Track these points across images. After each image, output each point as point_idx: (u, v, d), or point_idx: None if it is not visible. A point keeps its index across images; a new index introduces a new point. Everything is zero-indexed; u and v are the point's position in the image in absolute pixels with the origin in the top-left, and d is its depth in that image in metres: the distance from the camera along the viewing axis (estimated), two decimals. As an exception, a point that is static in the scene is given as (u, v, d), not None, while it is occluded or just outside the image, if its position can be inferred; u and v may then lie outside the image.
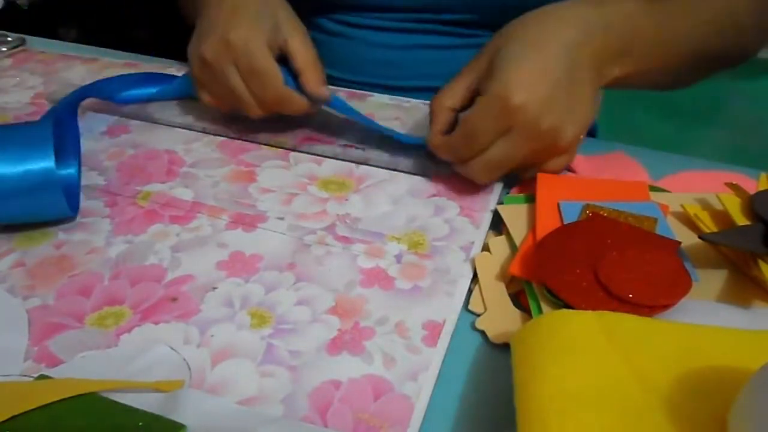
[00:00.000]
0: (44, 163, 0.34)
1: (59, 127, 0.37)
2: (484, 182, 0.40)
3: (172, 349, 0.29)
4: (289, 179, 0.42)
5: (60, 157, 0.36)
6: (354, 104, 0.51)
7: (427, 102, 0.51)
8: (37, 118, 0.44)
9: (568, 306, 0.29)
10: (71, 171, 0.39)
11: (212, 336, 0.30)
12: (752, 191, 0.35)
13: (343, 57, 0.61)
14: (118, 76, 0.51)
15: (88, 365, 0.28)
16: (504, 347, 0.30)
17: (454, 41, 0.58)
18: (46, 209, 0.36)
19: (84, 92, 0.46)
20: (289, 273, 0.34)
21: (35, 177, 0.34)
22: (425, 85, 0.56)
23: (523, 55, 0.36)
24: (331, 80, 0.56)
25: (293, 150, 0.45)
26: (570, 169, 0.43)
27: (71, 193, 0.38)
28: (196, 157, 0.44)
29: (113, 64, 0.59)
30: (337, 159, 0.44)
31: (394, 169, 0.43)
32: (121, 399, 0.26)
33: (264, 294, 0.32)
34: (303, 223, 0.37)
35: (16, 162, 0.34)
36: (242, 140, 0.46)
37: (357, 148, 0.45)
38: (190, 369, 0.28)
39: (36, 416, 0.24)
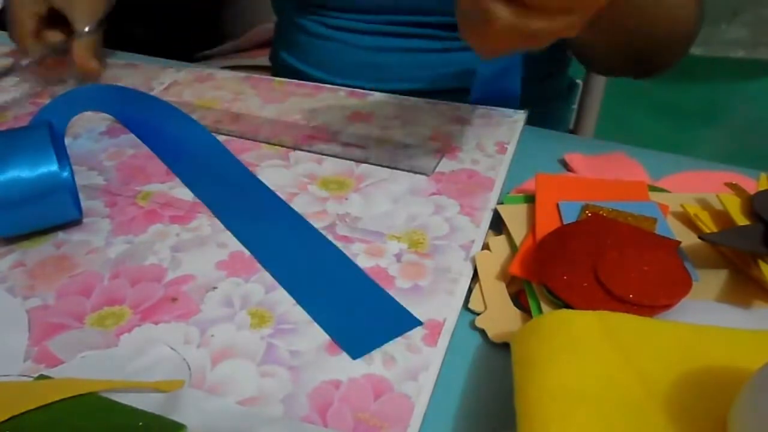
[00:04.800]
0: (49, 167, 0.34)
1: (51, 129, 0.36)
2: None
3: (172, 349, 0.29)
4: (289, 179, 0.42)
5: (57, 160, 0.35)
6: (353, 103, 0.51)
7: (425, 100, 0.51)
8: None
9: (568, 306, 0.29)
10: (68, 173, 0.38)
11: (212, 336, 0.30)
12: (752, 191, 0.35)
13: (327, 59, 0.61)
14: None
15: (88, 365, 0.28)
16: (504, 346, 0.30)
17: (435, 45, 0.58)
18: (55, 214, 0.36)
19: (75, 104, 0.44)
20: (289, 273, 0.34)
21: (43, 182, 0.34)
22: (408, 88, 0.56)
23: None
24: (318, 82, 0.56)
25: (294, 149, 0.45)
26: (570, 169, 0.43)
27: (73, 195, 0.38)
28: (196, 156, 0.44)
29: (113, 64, 0.59)
30: (338, 157, 0.44)
31: (395, 168, 0.43)
32: (121, 399, 0.26)
33: (264, 294, 0.32)
34: (303, 223, 0.37)
35: (22, 168, 0.34)
36: (242, 139, 0.46)
37: (357, 146, 0.45)
38: (190, 369, 0.28)
39: (36, 416, 0.24)
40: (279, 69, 0.70)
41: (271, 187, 0.41)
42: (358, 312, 0.31)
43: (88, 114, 0.50)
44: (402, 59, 0.58)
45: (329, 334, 0.30)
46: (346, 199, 0.40)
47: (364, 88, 0.54)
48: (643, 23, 0.46)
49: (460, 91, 0.52)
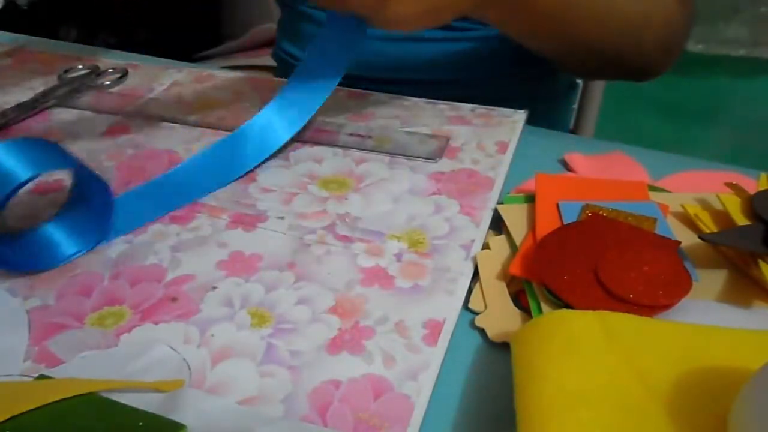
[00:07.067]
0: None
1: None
2: None
3: (172, 349, 0.29)
4: (289, 178, 0.42)
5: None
6: (353, 103, 0.51)
7: (427, 100, 0.51)
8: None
9: (568, 306, 0.29)
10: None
11: (212, 336, 0.30)
12: (752, 191, 0.35)
13: None
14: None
15: (88, 365, 0.28)
16: (504, 346, 0.30)
17: (444, 34, 0.57)
18: None
19: None
20: (289, 272, 0.34)
21: None
22: (416, 78, 0.56)
23: None
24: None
25: (299, 142, 0.45)
26: (570, 169, 0.43)
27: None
28: (196, 156, 0.44)
29: (113, 64, 0.59)
30: (346, 147, 0.44)
31: (402, 155, 0.43)
32: (121, 399, 0.26)
33: (264, 293, 0.32)
34: (303, 223, 0.37)
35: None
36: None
37: (363, 136, 0.45)
38: (190, 369, 0.28)
39: (36, 416, 0.24)
40: (282, 62, 0.70)
41: (272, 187, 0.41)
42: None
43: (88, 114, 0.50)
44: (410, 48, 0.58)
45: None
46: (346, 198, 0.40)
47: (369, 78, 0.53)
48: (581, 19, 0.46)
49: (461, 83, 0.51)
